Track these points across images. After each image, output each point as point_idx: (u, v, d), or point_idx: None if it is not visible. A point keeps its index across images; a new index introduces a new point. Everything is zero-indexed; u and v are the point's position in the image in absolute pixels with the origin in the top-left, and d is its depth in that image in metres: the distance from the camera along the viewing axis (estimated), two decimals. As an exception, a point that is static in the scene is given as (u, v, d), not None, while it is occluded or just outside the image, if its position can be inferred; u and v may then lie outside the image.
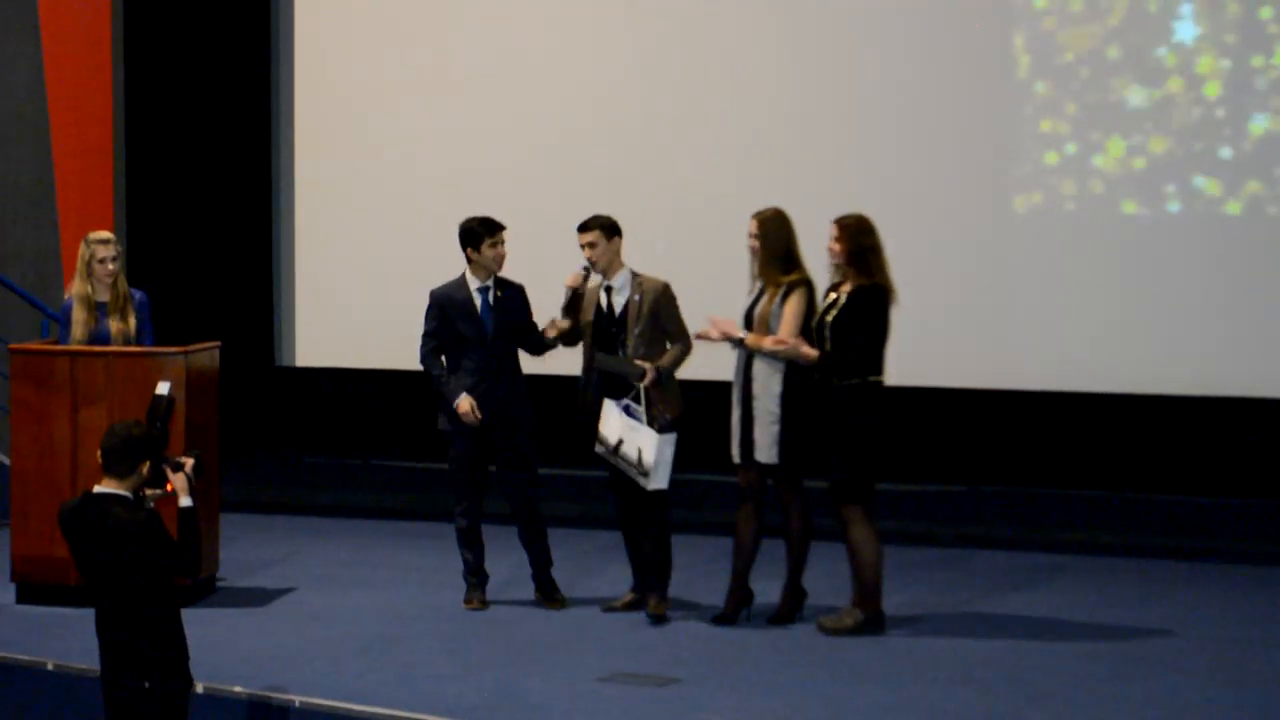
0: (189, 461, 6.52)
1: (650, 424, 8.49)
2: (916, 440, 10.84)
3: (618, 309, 8.77)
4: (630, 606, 8.90)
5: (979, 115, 10.70)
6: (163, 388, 6.94)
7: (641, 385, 8.57)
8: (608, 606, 8.94)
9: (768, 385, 8.53)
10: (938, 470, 11.10)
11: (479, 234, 9.05)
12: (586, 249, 8.77)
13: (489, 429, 8.97)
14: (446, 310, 9.11)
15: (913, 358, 10.37)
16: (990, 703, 7.48)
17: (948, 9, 10.76)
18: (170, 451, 6.66)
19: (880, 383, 8.43)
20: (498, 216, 9.13)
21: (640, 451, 8.50)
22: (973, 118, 10.71)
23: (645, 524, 8.79)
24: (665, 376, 8.67)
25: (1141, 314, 10.44)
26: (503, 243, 9.05)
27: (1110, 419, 10.65)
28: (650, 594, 8.79)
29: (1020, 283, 10.68)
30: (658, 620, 8.69)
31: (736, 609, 8.75)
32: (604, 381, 8.73)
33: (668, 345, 8.77)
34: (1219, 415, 10.44)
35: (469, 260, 9.08)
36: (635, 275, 8.81)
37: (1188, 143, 10.34)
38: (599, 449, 8.68)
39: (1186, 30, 10.32)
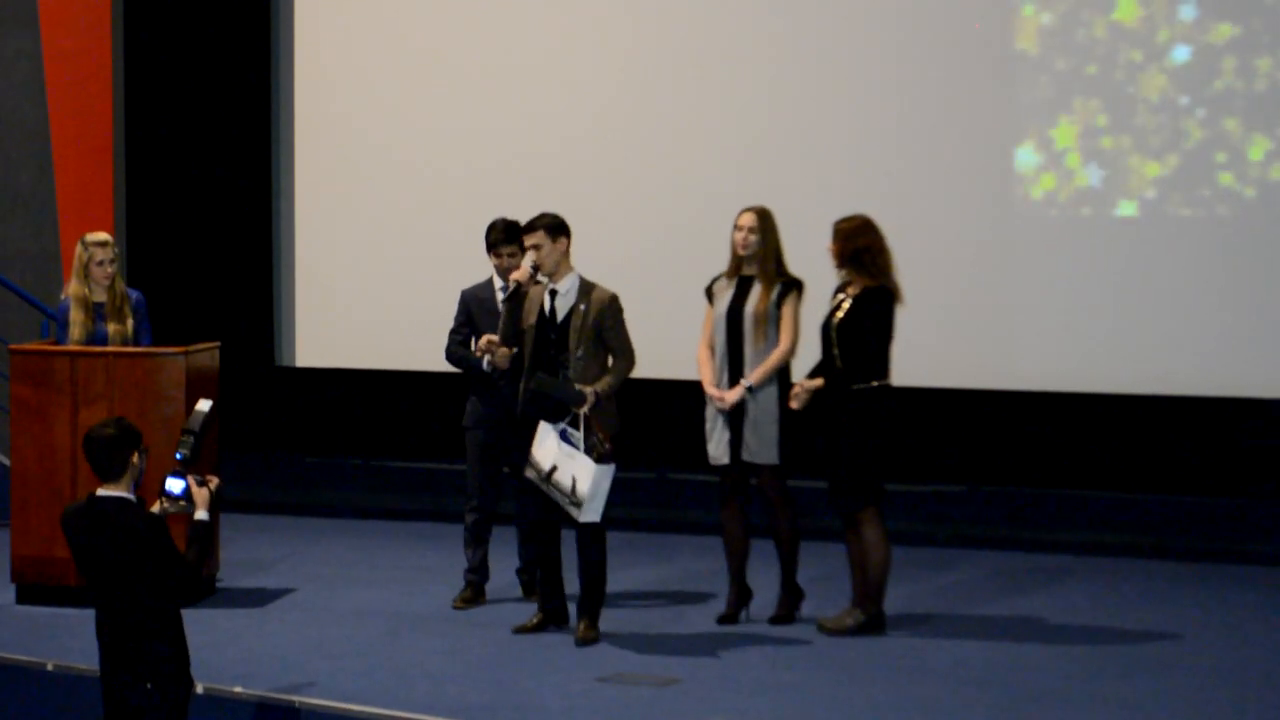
0: (213, 480, 6.58)
1: (588, 453, 8.16)
2: (916, 440, 10.83)
3: (560, 315, 8.45)
4: (540, 627, 8.56)
5: (978, 115, 10.68)
6: (204, 405, 6.96)
7: (581, 411, 8.25)
8: (519, 628, 8.59)
9: (764, 387, 8.55)
10: (938, 470, 11.09)
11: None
12: (531, 251, 8.45)
13: (504, 427, 8.91)
14: (472, 308, 9.11)
15: (913, 358, 10.34)
16: (990, 703, 7.48)
17: (948, 8, 10.76)
18: (199, 470, 6.71)
19: (889, 385, 8.44)
20: (496, 217, 9.13)
21: (575, 480, 8.14)
22: (972, 118, 10.70)
23: (551, 542, 8.52)
24: (603, 399, 8.36)
25: (1141, 314, 10.44)
26: (507, 256, 9.00)
27: (1110, 419, 10.64)
28: (580, 619, 8.44)
29: (1020, 283, 10.67)
30: (587, 645, 8.38)
31: (737, 608, 8.76)
32: (539, 400, 8.37)
33: (609, 360, 8.46)
34: (1219, 415, 10.43)
35: None
36: (584, 282, 8.49)
37: (1188, 143, 10.34)
38: (529, 474, 8.31)
39: (1186, 30, 10.32)
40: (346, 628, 8.75)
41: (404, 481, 12.23)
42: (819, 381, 8.44)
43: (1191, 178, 10.34)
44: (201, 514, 6.51)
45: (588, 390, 8.29)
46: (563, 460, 8.20)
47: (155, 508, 6.49)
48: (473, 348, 8.93)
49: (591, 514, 8.21)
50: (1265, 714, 7.40)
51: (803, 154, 10.95)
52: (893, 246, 8.52)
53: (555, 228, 8.44)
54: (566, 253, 8.47)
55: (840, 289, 8.55)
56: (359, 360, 11.99)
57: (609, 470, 8.18)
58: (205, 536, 6.50)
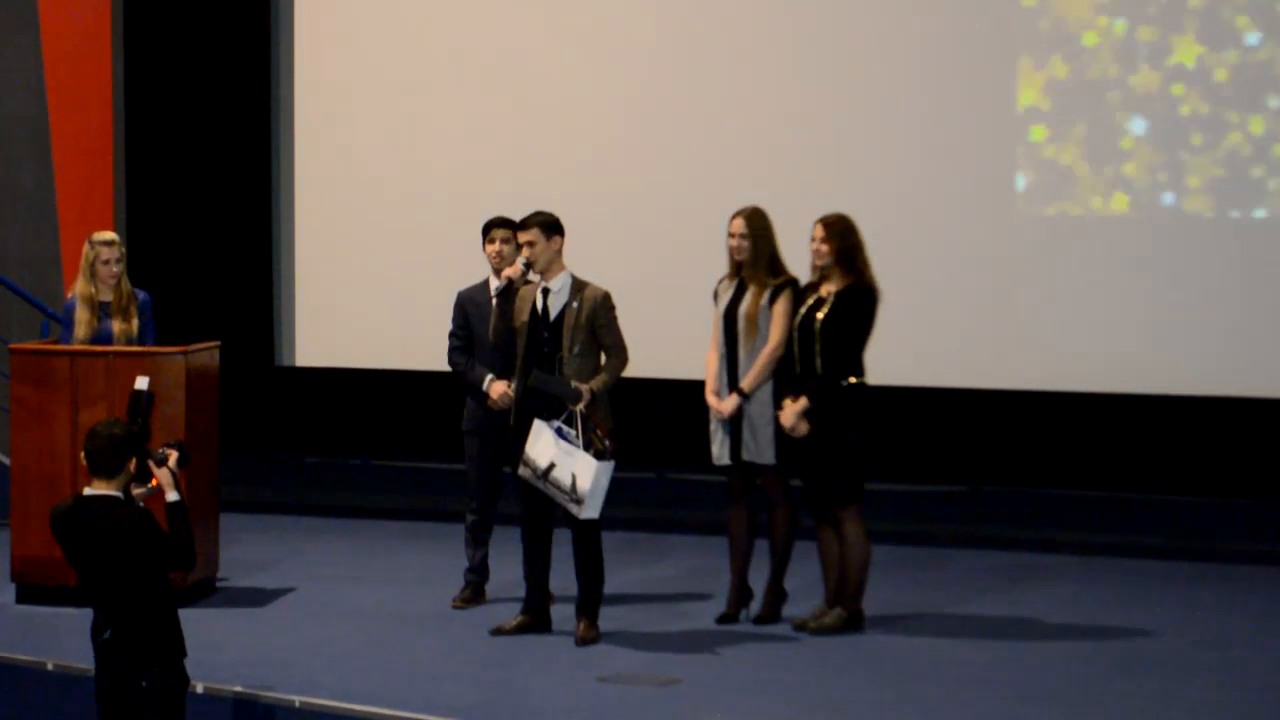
0: (172, 455, 6.52)
1: (587, 449, 8.15)
2: (916, 440, 10.83)
3: (553, 313, 8.42)
4: (520, 629, 8.55)
5: (979, 115, 10.68)
6: (141, 383, 6.92)
7: (577, 409, 8.23)
8: (496, 629, 8.59)
9: (759, 390, 8.55)
10: (937, 470, 11.09)
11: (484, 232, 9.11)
12: (525, 248, 8.43)
13: (503, 430, 8.90)
14: (467, 310, 9.11)
15: (913, 358, 10.39)
16: (991, 702, 7.48)
17: (947, 9, 10.75)
18: (151, 445, 6.66)
19: (865, 383, 8.43)
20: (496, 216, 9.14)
21: (575, 478, 8.13)
22: (973, 117, 10.69)
23: (542, 544, 8.52)
24: (598, 396, 8.34)
25: (1141, 314, 10.44)
26: (496, 240, 9.02)
27: (1110, 419, 10.64)
28: (580, 619, 8.46)
29: (1020, 283, 10.67)
30: (587, 645, 8.38)
31: (738, 608, 8.76)
32: (533, 398, 8.37)
33: (603, 358, 8.45)
34: (1219, 415, 10.43)
35: None
36: (576, 280, 8.47)
37: (1187, 144, 10.34)
38: (523, 471, 8.30)
39: (1182, 31, 10.33)
40: (346, 628, 8.76)
41: (404, 481, 12.23)
42: (803, 402, 8.41)
43: (1191, 177, 10.34)
44: (172, 495, 6.47)
45: (584, 388, 8.29)
46: (561, 457, 8.19)
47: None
48: (477, 370, 8.99)
49: (591, 510, 8.21)
50: (1265, 714, 7.40)
51: (803, 154, 10.94)
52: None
53: (549, 226, 8.44)
54: (560, 251, 8.47)
55: (811, 287, 8.52)
56: (359, 360, 11.99)
57: (609, 466, 8.18)
58: (183, 516, 6.45)
